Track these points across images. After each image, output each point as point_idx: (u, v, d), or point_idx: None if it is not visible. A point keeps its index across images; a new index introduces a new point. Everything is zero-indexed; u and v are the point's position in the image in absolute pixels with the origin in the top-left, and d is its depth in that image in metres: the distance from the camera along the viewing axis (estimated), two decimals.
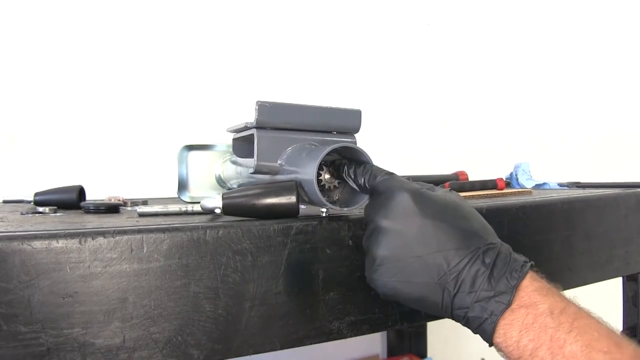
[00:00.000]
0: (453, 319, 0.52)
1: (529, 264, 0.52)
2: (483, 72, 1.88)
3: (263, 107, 0.62)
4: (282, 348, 0.56)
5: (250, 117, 0.63)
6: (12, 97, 1.21)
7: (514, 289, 0.49)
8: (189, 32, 1.40)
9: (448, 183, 1.00)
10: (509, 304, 0.48)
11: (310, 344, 0.58)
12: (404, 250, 0.52)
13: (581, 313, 0.48)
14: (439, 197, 0.54)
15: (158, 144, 1.32)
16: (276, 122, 0.64)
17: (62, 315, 0.47)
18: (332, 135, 0.68)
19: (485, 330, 0.49)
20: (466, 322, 0.51)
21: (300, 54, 1.55)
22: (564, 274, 0.82)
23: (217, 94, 1.42)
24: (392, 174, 0.57)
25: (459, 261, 0.50)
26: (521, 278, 0.49)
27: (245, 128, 0.67)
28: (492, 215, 0.73)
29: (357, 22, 1.65)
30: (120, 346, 0.48)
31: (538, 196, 0.88)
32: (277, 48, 1.52)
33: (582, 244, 0.84)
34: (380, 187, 0.56)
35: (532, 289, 0.49)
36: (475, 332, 0.51)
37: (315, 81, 1.57)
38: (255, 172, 0.65)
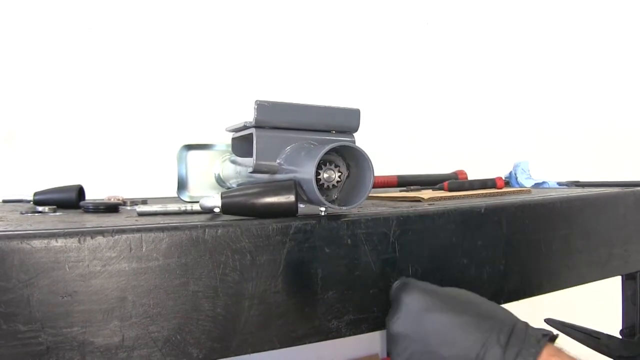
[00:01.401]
0: None
1: (546, 337, 0.51)
2: (482, 71, 1.88)
3: (262, 107, 0.62)
4: (281, 347, 0.56)
5: (249, 116, 0.63)
6: (12, 96, 1.21)
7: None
8: (188, 31, 1.40)
9: (447, 182, 0.99)
10: None
11: (309, 342, 0.58)
12: (424, 356, 0.53)
13: None
14: (446, 290, 0.56)
15: (157, 143, 1.32)
16: (275, 121, 0.64)
17: (61, 314, 0.47)
18: (331, 134, 0.68)
19: None
20: None
21: (299, 53, 1.55)
22: (562, 272, 0.82)
23: (216, 94, 1.42)
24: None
25: (473, 347, 0.51)
26: (537, 354, 0.49)
27: (244, 127, 0.67)
28: (491, 214, 0.73)
29: (356, 21, 1.65)
30: (120, 345, 0.49)
31: (537, 195, 0.88)
32: (276, 47, 1.52)
33: (581, 243, 0.84)
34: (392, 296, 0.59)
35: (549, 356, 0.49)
36: None
37: (314, 80, 1.57)
38: (254, 172, 0.65)
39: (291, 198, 0.59)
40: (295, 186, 0.59)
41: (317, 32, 1.58)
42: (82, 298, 0.47)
